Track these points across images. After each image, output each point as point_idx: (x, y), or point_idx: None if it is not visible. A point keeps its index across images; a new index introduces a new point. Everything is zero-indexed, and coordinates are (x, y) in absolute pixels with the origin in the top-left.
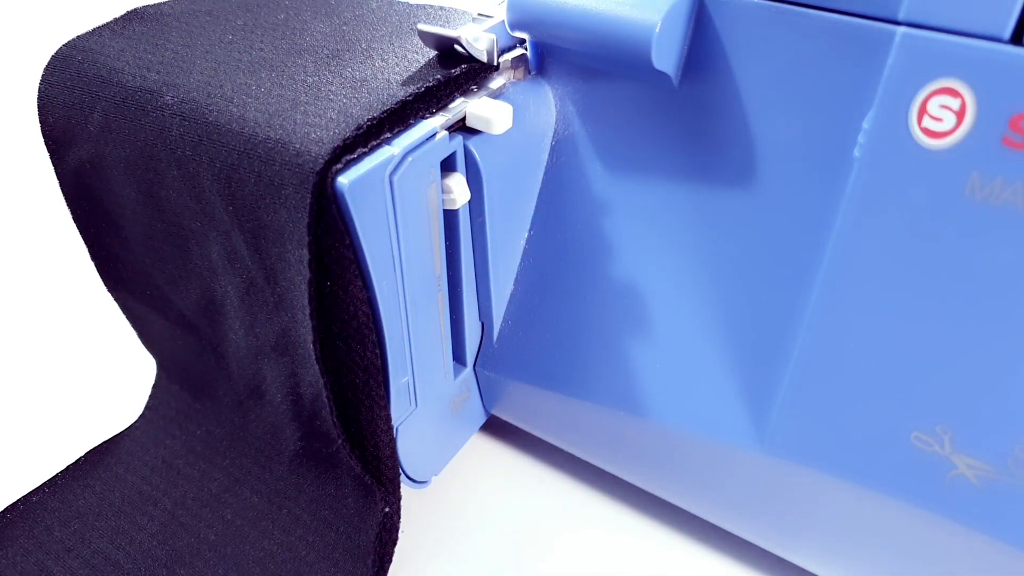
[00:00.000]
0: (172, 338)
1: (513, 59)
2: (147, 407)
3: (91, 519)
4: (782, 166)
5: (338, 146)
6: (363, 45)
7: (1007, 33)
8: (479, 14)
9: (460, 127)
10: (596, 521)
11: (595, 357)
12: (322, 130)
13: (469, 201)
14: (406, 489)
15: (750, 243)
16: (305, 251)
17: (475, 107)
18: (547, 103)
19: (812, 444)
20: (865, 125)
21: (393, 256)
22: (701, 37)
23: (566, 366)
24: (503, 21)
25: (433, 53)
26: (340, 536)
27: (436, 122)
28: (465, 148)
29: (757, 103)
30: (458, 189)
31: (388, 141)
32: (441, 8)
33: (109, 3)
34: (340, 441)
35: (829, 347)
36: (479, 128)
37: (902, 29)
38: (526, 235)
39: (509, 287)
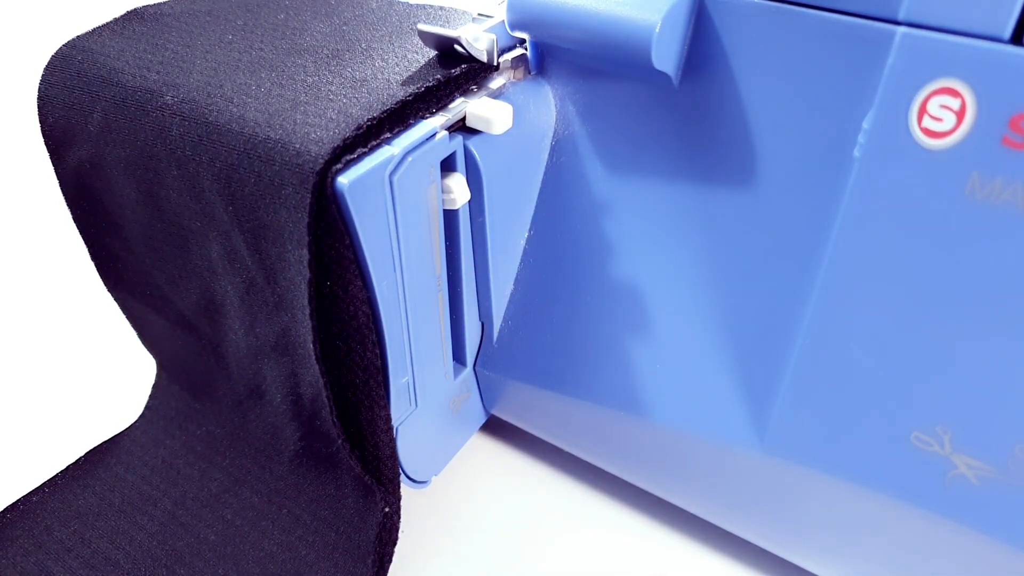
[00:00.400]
0: (172, 338)
1: (513, 59)
2: (147, 407)
3: (91, 519)
4: (782, 166)
5: (338, 146)
6: (363, 45)
7: (1007, 33)
8: (479, 14)
9: (460, 127)
10: (596, 521)
11: (595, 357)
12: (322, 130)
13: (469, 201)
14: (406, 489)
15: (750, 243)
16: (305, 251)
17: (475, 107)
18: (547, 103)
19: (812, 444)
20: (865, 125)
21: (393, 256)
22: (701, 37)
23: (566, 366)
24: (503, 21)
25: (433, 53)
26: (340, 536)
27: (436, 122)
28: (465, 148)
29: (757, 103)
30: (458, 189)
31: (388, 141)
32: (441, 8)
33: (109, 3)
34: (340, 441)
35: (829, 347)
36: (479, 128)
37: (902, 29)
38: (526, 235)
39: (509, 287)
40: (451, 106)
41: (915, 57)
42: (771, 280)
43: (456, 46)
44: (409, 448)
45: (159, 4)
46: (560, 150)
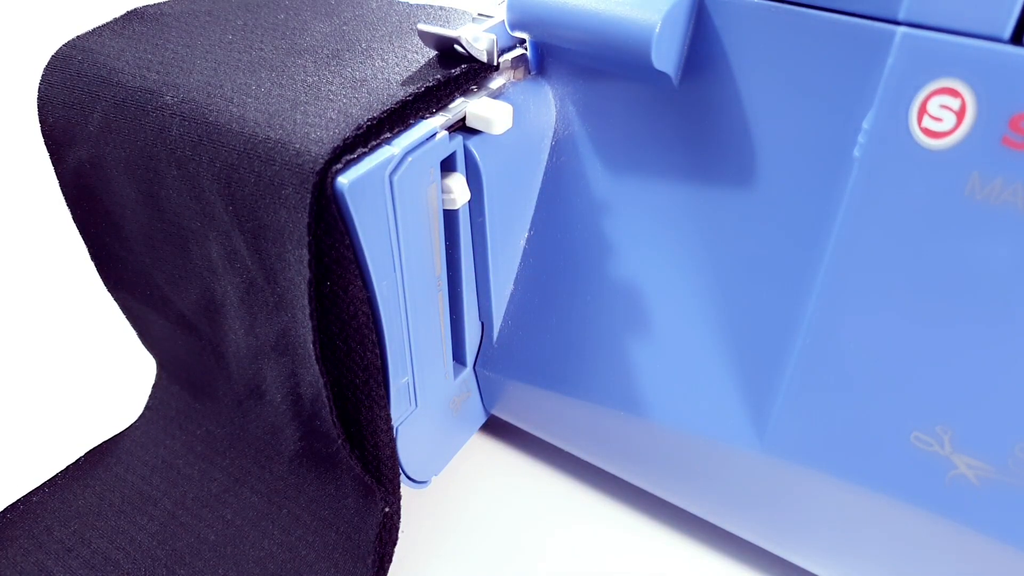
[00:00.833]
0: (172, 338)
1: (513, 59)
2: (147, 407)
3: (91, 519)
4: (782, 166)
5: (338, 146)
6: (363, 45)
7: (1007, 33)
8: (479, 14)
9: (460, 127)
10: (596, 521)
11: (595, 357)
12: (322, 130)
13: (469, 201)
14: (406, 489)
15: (750, 243)
16: (305, 251)
17: (475, 107)
18: (547, 103)
19: (812, 444)
20: (865, 125)
21: (393, 256)
22: (701, 37)
23: (566, 366)
24: (503, 21)
25: (433, 53)
26: (340, 536)
27: (436, 122)
28: (465, 148)
29: (757, 103)
30: (458, 189)
31: (388, 141)
32: (441, 8)
33: (109, 3)
34: (340, 441)
35: (829, 347)
36: (479, 128)
37: (902, 29)
38: (526, 235)
39: (509, 287)
40: (451, 106)
41: (915, 57)
42: (771, 280)
43: (456, 46)
44: (409, 448)
45: (159, 4)
46: (560, 150)
